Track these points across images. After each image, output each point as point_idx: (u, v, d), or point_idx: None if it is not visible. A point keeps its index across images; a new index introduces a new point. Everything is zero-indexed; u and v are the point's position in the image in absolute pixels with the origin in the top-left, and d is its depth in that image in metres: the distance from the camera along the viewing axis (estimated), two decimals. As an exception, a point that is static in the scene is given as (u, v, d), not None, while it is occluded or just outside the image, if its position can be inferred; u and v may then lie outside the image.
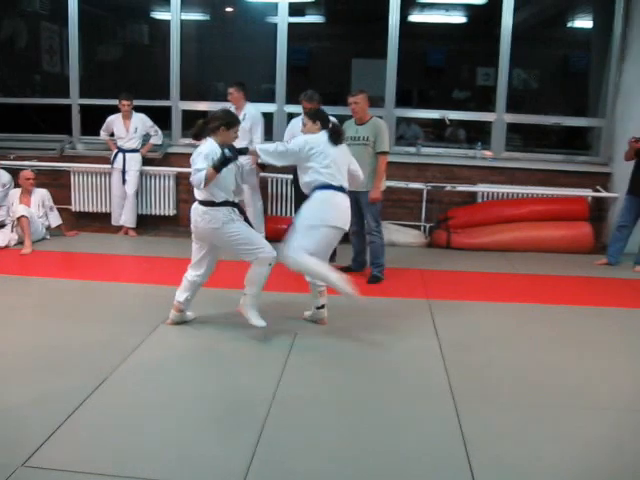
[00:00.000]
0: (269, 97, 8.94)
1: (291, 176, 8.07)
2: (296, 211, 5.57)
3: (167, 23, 8.93)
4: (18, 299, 5.68)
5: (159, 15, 9.65)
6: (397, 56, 8.58)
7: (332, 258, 6.98)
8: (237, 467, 3.12)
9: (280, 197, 8.69)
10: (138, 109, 8.50)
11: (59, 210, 8.21)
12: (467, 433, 3.49)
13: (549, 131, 9.41)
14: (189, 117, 9.21)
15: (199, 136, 4.84)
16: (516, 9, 8.36)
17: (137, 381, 4.10)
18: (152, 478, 3.04)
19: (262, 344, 4.71)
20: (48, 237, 7.94)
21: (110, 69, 10.20)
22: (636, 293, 6.45)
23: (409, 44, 8.69)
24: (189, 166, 8.66)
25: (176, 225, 8.93)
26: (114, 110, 8.46)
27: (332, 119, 5.45)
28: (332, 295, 5.13)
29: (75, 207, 8.99)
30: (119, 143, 8.47)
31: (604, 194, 8.38)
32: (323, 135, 4.99)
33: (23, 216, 7.44)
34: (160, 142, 8.75)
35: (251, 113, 7.80)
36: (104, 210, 8.90)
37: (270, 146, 5.03)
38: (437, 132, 9.58)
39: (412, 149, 8.90)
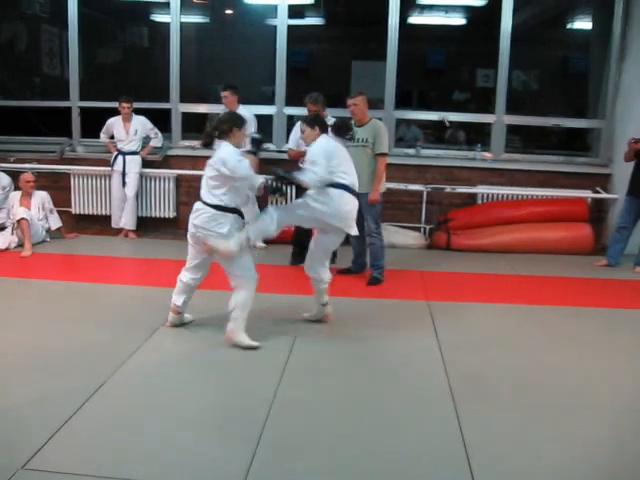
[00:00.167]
0: (269, 99, 8.95)
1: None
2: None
3: (167, 26, 8.94)
4: (18, 301, 5.69)
5: (159, 18, 9.66)
6: (397, 58, 8.58)
7: (332, 260, 7.00)
8: (237, 469, 3.12)
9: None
10: (138, 111, 8.51)
11: (59, 212, 8.21)
12: (467, 434, 3.50)
13: (549, 132, 9.42)
14: (189, 120, 9.23)
15: (210, 144, 4.82)
16: (515, 10, 8.37)
17: (137, 383, 4.10)
18: (152, 480, 3.05)
19: (262, 346, 4.71)
20: (48, 239, 7.94)
21: (110, 72, 10.21)
22: (636, 294, 6.45)
23: (409, 46, 8.70)
24: (189, 168, 8.80)
25: (176, 227, 8.91)
26: (114, 113, 8.46)
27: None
28: (332, 297, 5.15)
29: (75, 209, 8.99)
30: (119, 145, 8.47)
31: (604, 195, 8.38)
32: (328, 138, 5.03)
33: (23, 218, 7.45)
34: (160, 144, 8.75)
35: (245, 116, 7.78)
36: (104, 212, 8.90)
37: (314, 176, 4.87)
38: (437, 134, 9.59)
39: (412, 151, 8.90)
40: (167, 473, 3.12)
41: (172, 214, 8.93)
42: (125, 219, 8.52)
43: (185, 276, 4.97)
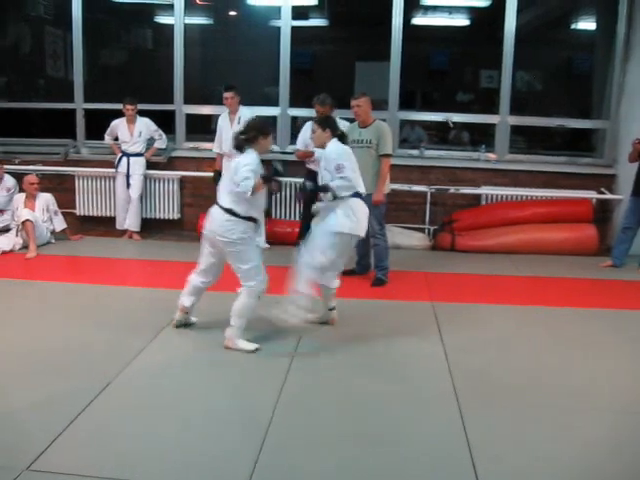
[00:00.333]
0: (272, 100, 8.95)
1: (295, 179, 8.09)
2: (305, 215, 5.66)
3: (171, 27, 8.96)
4: (23, 303, 5.70)
5: (163, 19, 9.67)
6: (400, 59, 8.58)
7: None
8: (241, 471, 3.12)
9: (283, 200, 8.67)
10: (142, 113, 8.52)
11: (63, 214, 8.22)
12: (471, 433, 3.50)
13: (553, 133, 9.40)
14: (193, 121, 9.24)
15: (241, 148, 4.79)
16: (519, 11, 8.36)
17: (141, 384, 4.11)
18: (156, 481, 3.06)
19: (266, 348, 4.71)
20: (53, 241, 7.96)
21: (114, 73, 10.22)
22: (641, 295, 6.44)
23: (412, 47, 8.70)
24: (193, 170, 8.80)
25: (180, 229, 8.94)
26: (118, 114, 8.48)
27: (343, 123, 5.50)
28: (336, 298, 5.14)
29: (79, 211, 9.01)
30: (123, 147, 8.49)
31: (608, 196, 8.37)
32: (339, 143, 5.04)
33: (28, 220, 7.46)
34: (164, 146, 8.77)
35: (247, 116, 7.81)
36: (108, 214, 8.92)
37: (344, 182, 4.89)
38: (441, 135, 9.57)
39: (415, 152, 8.90)
40: (172, 474, 3.13)
41: (176, 215, 8.94)
42: (129, 220, 8.53)
43: (195, 279, 4.96)
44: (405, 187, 8.26)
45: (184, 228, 8.94)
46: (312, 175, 6.37)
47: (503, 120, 8.69)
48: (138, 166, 8.49)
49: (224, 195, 4.70)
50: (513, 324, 5.40)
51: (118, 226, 8.66)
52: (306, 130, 7.18)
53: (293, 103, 8.83)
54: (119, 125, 8.48)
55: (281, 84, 8.85)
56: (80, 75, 9.22)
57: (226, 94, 7.79)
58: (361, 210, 4.95)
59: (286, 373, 4.28)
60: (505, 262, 7.52)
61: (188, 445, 3.37)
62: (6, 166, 8.43)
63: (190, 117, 9.17)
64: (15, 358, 4.42)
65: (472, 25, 9.56)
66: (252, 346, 4.67)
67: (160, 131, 8.62)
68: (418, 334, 4.96)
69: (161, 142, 8.68)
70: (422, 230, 8.51)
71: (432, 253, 8.09)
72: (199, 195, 8.86)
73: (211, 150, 8.18)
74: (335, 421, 3.69)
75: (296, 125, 8.84)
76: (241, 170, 4.53)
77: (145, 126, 8.51)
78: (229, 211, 4.61)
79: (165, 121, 8.87)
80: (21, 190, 8.07)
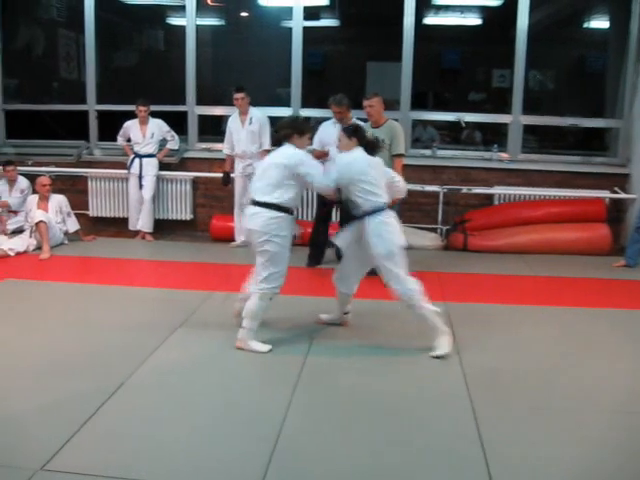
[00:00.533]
0: (284, 101, 8.96)
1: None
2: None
3: (183, 29, 8.98)
4: (37, 304, 5.72)
5: (175, 21, 9.70)
6: (412, 59, 8.57)
7: (319, 262, 7.03)
8: (253, 474, 3.12)
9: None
10: (155, 114, 8.55)
11: (76, 215, 8.26)
12: (484, 434, 3.48)
13: (566, 132, 9.36)
14: (205, 122, 9.26)
15: (278, 145, 4.77)
16: (531, 10, 8.33)
17: (154, 385, 4.12)
18: (169, 482, 3.07)
19: (279, 349, 4.71)
20: (66, 242, 7.99)
21: (126, 75, 10.26)
22: (655, 295, 6.40)
23: (424, 46, 8.69)
24: (206, 171, 8.82)
25: (193, 230, 8.96)
26: (131, 116, 8.51)
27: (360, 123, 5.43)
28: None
29: (92, 212, 9.05)
30: (136, 148, 8.52)
31: (622, 195, 8.33)
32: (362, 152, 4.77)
33: (41, 221, 7.50)
34: (177, 147, 8.79)
35: (257, 116, 7.88)
36: (121, 215, 8.95)
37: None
38: (453, 134, 9.56)
39: (428, 152, 8.89)
40: (185, 475, 3.13)
41: (189, 216, 8.96)
42: (142, 221, 8.55)
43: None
44: (418, 187, 8.24)
45: (197, 229, 8.97)
46: None
47: (516, 119, 8.66)
48: (151, 167, 8.52)
49: (267, 191, 4.61)
50: (526, 324, 5.37)
51: (131, 227, 8.69)
52: (322, 130, 7.17)
53: (305, 104, 8.83)
54: (132, 126, 8.52)
55: (293, 85, 8.86)
56: (93, 77, 9.27)
57: (237, 95, 7.81)
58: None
59: (299, 374, 4.28)
60: (518, 262, 7.49)
61: (201, 446, 3.37)
62: (19, 168, 8.49)
63: (202, 118, 9.20)
64: (29, 359, 4.44)
65: (484, 24, 9.53)
66: (265, 347, 4.66)
67: (172, 132, 8.65)
68: (431, 334, 4.93)
69: (173, 143, 8.71)
70: (434, 230, 8.49)
71: (444, 253, 8.07)
72: (211, 196, 8.89)
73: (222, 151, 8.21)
74: (348, 422, 3.68)
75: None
76: (307, 163, 4.60)
77: (157, 127, 8.53)
78: (274, 206, 4.57)
79: (177, 122, 8.91)
80: (34, 191, 8.11)
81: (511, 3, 8.43)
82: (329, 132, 6.73)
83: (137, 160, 8.49)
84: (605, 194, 8.33)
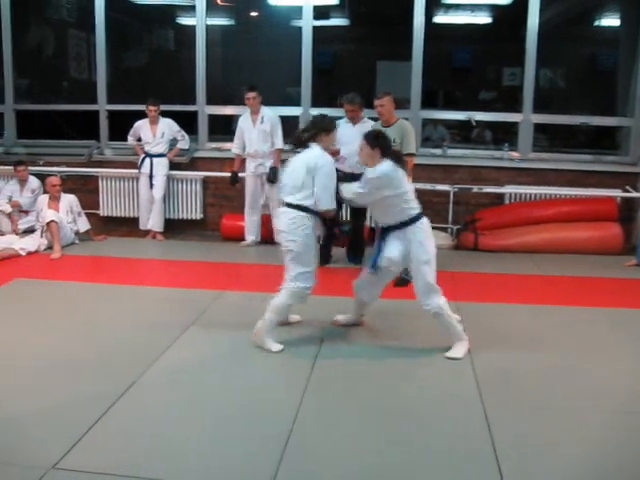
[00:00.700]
0: (294, 100, 8.96)
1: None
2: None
3: (193, 28, 8.99)
4: (48, 303, 5.75)
5: (185, 21, 9.71)
6: (422, 57, 8.54)
7: (360, 262, 7.01)
8: (263, 473, 3.12)
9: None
10: (165, 114, 8.56)
11: (87, 215, 8.29)
12: (496, 434, 3.48)
13: (577, 131, 9.31)
14: (215, 122, 9.27)
15: (300, 145, 4.80)
16: (542, 8, 8.29)
17: (166, 384, 4.13)
18: (181, 481, 3.07)
19: (289, 349, 4.71)
20: (77, 242, 8.02)
21: (137, 75, 10.29)
22: (668, 294, 6.36)
23: (434, 45, 8.66)
24: (216, 170, 8.83)
25: (203, 229, 8.97)
26: (141, 115, 8.53)
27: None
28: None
29: (103, 212, 9.07)
30: (146, 148, 8.53)
31: (634, 194, 8.27)
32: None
33: (52, 221, 7.52)
34: (187, 147, 8.80)
35: (269, 116, 7.88)
36: (132, 214, 8.97)
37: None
38: (463, 133, 9.53)
39: (438, 151, 8.87)
40: (195, 474, 3.14)
41: (199, 216, 8.97)
42: (152, 221, 8.57)
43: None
44: (428, 186, 8.22)
45: (207, 228, 8.98)
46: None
47: (526, 118, 8.62)
48: (161, 167, 8.53)
49: (292, 191, 4.67)
50: (537, 324, 5.35)
51: (141, 226, 8.70)
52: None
53: (315, 103, 8.83)
54: (142, 126, 8.53)
55: (303, 84, 8.86)
56: (103, 76, 9.28)
57: (249, 94, 7.81)
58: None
59: (309, 373, 4.28)
60: (529, 262, 7.46)
61: (211, 445, 3.37)
62: (31, 167, 8.52)
63: (212, 118, 9.20)
64: (41, 358, 4.45)
65: (494, 23, 9.51)
66: (277, 347, 4.66)
67: (183, 132, 8.66)
68: (442, 334, 4.92)
69: (184, 143, 8.72)
70: (445, 229, 8.46)
71: (455, 252, 8.04)
72: (222, 195, 8.90)
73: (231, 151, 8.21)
74: (358, 423, 3.67)
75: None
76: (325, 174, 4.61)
77: (168, 127, 8.55)
78: (297, 207, 4.62)
79: (187, 122, 8.91)
80: (45, 192, 8.14)
81: (521, 1, 8.39)
82: (341, 131, 6.72)
83: (148, 160, 8.50)
84: (616, 193, 8.28)
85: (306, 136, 4.74)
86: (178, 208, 8.95)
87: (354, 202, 4.88)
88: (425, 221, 4.69)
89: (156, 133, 8.48)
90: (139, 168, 8.57)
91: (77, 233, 8.05)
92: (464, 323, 4.78)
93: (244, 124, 7.98)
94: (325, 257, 7.10)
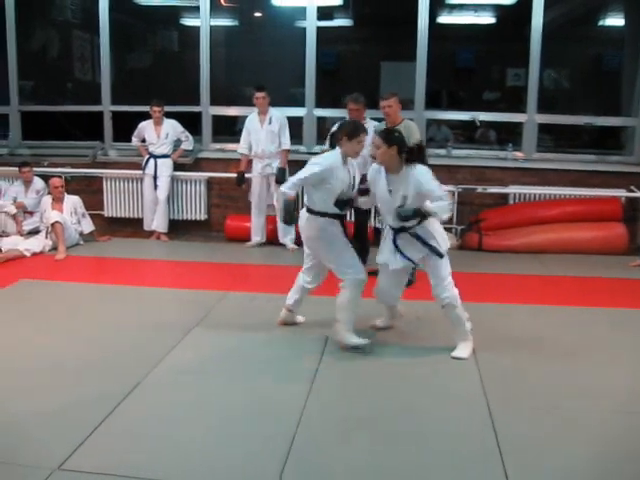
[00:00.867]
0: (299, 101, 8.96)
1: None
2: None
3: (197, 29, 9.00)
4: (53, 304, 5.75)
5: (189, 22, 9.72)
6: (426, 58, 8.54)
7: (364, 261, 6.98)
8: (269, 472, 3.12)
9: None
10: (169, 115, 8.57)
11: (92, 216, 8.31)
12: (500, 433, 3.48)
13: (581, 131, 9.30)
14: (219, 122, 9.27)
15: (331, 146, 4.80)
16: (546, 8, 8.28)
17: (170, 385, 4.13)
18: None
19: (294, 348, 4.71)
20: (81, 242, 8.03)
21: (141, 76, 10.29)
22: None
23: (438, 46, 8.66)
24: (220, 171, 8.84)
25: (207, 230, 8.98)
26: (145, 116, 8.54)
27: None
28: (363, 299, 5.10)
29: (107, 212, 9.08)
30: (150, 149, 8.54)
31: (638, 194, 8.26)
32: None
33: (57, 222, 7.54)
34: (191, 147, 8.81)
35: (277, 116, 7.89)
36: (136, 215, 8.98)
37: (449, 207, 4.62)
38: (467, 134, 9.52)
39: (442, 151, 8.86)
40: (201, 474, 3.14)
41: (203, 216, 8.97)
42: (157, 222, 8.58)
43: (301, 277, 5.01)
44: (432, 187, 8.20)
45: (211, 229, 8.98)
46: None
47: (530, 118, 8.61)
48: (165, 168, 8.54)
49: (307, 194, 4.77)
50: (542, 324, 5.34)
51: (146, 227, 8.72)
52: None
53: (319, 104, 8.83)
54: (146, 127, 8.54)
55: (307, 85, 8.86)
56: (107, 78, 9.30)
57: (258, 94, 7.81)
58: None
59: (314, 374, 4.28)
60: (533, 262, 7.46)
61: (216, 446, 3.38)
62: (35, 169, 8.53)
63: (216, 118, 9.21)
64: (46, 359, 4.46)
65: (498, 23, 9.49)
66: (363, 341, 4.68)
67: (187, 132, 8.67)
68: (446, 334, 4.91)
69: (188, 143, 8.73)
70: (449, 230, 8.44)
71: (459, 253, 8.02)
72: (226, 196, 8.90)
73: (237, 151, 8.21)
74: (365, 421, 3.68)
75: (321, 125, 8.87)
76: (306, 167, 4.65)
77: (172, 128, 8.55)
78: (308, 209, 4.71)
79: (192, 122, 8.92)
80: (50, 193, 8.15)
81: (525, 1, 8.39)
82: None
83: (152, 161, 8.51)
84: (621, 193, 8.27)
85: (336, 137, 4.72)
86: (182, 209, 8.95)
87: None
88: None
89: (160, 134, 8.49)
90: (143, 169, 8.58)
91: (81, 234, 8.07)
92: (471, 323, 4.78)
93: (251, 124, 7.97)
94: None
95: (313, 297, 5.16)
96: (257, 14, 10.08)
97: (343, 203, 4.67)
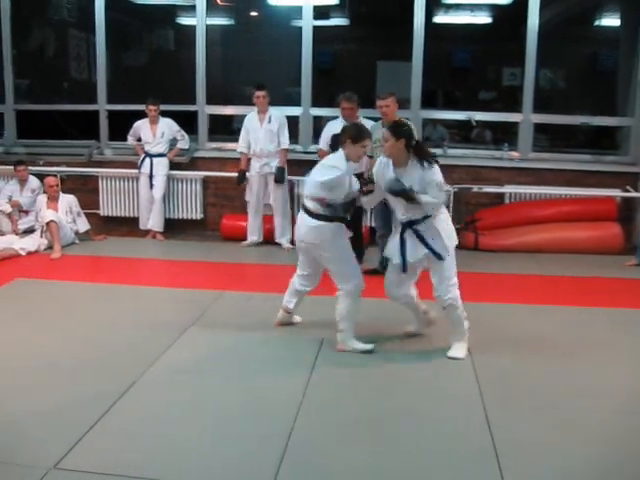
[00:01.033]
0: (295, 100, 8.95)
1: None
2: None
3: (193, 28, 8.98)
4: (48, 303, 5.75)
5: (185, 21, 9.70)
6: (422, 57, 8.53)
7: (360, 260, 6.99)
8: (265, 471, 3.13)
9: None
10: (165, 114, 8.56)
11: (87, 215, 8.29)
12: (496, 434, 3.48)
13: (577, 131, 9.30)
14: (215, 121, 9.26)
15: (333, 148, 4.83)
16: (542, 8, 8.28)
17: (166, 384, 4.13)
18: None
19: (289, 349, 4.72)
20: (77, 241, 8.02)
21: (137, 75, 10.28)
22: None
23: (434, 45, 8.65)
24: (216, 170, 8.83)
25: (203, 229, 8.97)
26: (141, 115, 8.53)
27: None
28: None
29: (103, 211, 9.06)
30: (146, 148, 8.53)
31: (633, 194, 8.27)
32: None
33: (52, 221, 7.53)
34: (187, 146, 8.80)
35: (276, 115, 7.88)
36: (132, 214, 8.96)
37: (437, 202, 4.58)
38: (463, 133, 9.52)
39: (438, 151, 8.83)
40: (196, 474, 3.14)
41: (199, 216, 8.96)
42: (152, 221, 8.56)
43: (296, 282, 4.96)
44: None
45: (207, 228, 8.97)
46: None
47: (526, 118, 8.61)
48: (161, 167, 8.52)
49: (307, 198, 4.67)
50: (538, 324, 5.35)
51: (141, 226, 8.70)
52: (329, 129, 7.16)
53: (315, 103, 8.83)
54: (142, 126, 8.53)
55: (303, 84, 8.85)
56: (103, 76, 9.27)
57: (258, 93, 7.79)
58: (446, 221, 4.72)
59: (310, 374, 4.28)
60: (529, 261, 7.46)
61: (212, 445, 3.38)
62: (31, 167, 8.52)
63: (212, 117, 9.19)
64: (41, 358, 4.46)
65: (494, 22, 9.50)
66: (368, 346, 4.67)
67: (182, 132, 8.66)
68: (441, 334, 4.92)
69: (184, 143, 8.72)
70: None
71: (455, 252, 8.02)
72: (222, 195, 8.89)
73: (234, 150, 8.20)
74: (360, 421, 3.68)
75: (318, 124, 8.86)
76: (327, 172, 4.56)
77: (168, 127, 8.54)
78: (314, 214, 4.60)
79: (187, 121, 8.91)
80: (45, 191, 8.13)
81: (521, 1, 8.38)
82: (336, 130, 6.72)
83: (148, 160, 8.49)
84: (616, 193, 8.27)
85: (340, 139, 4.69)
86: (178, 208, 8.94)
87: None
88: (446, 214, 4.74)
89: (156, 133, 8.48)
90: (139, 168, 8.56)
91: (77, 233, 8.05)
92: (466, 323, 4.78)
93: (250, 123, 7.95)
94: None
95: (310, 297, 5.15)
96: (253, 13, 10.08)
97: (348, 205, 4.66)
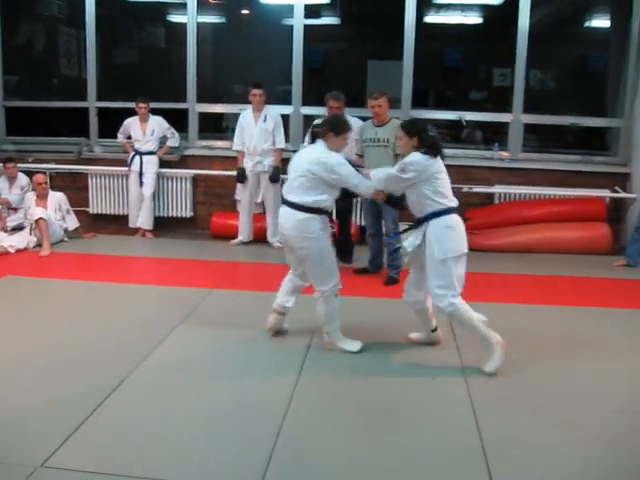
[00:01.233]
0: (285, 99, 8.95)
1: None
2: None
3: (183, 26, 8.96)
4: (37, 301, 5.73)
5: (175, 18, 9.68)
6: (413, 57, 8.54)
7: (350, 261, 7.00)
8: (254, 469, 3.12)
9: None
10: (155, 112, 8.53)
11: (77, 212, 8.27)
12: (485, 434, 3.49)
13: (567, 131, 9.34)
14: (206, 119, 9.25)
15: (312, 139, 4.73)
16: (532, 8, 8.30)
17: (155, 382, 4.12)
18: None
19: (280, 348, 4.71)
20: (66, 239, 7.99)
21: (127, 72, 10.25)
22: (656, 294, 6.39)
23: (425, 45, 8.67)
24: (206, 168, 8.81)
25: (193, 227, 8.95)
26: (131, 113, 8.50)
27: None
28: (347, 296, 5.09)
29: (92, 209, 9.02)
30: (136, 146, 8.50)
31: (622, 195, 8.30)
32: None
33: (41, 218, 7.50)
34: (177, 144, 8.78)
35: (272, 114, 7.88)
36: (121, 212, 8.93)
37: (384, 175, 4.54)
38: (454, 133, 9.53)
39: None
40: (186, 472, 3.13)
41: (189, 214, 8.94)
42: (142, 219, 8.54)
43: (294, 279, 4.84)
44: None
45: (197, 226, 8.96)
46: None
47: (516, 118, 8.64)
48: (151, 164, 8.50)
49: (295, 192, 4.52)
50: (527, 324, 5.36)
51: (131, 224, 8.67)
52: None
53: (306, 102, 8.82)
54: (132, 123, 8.50)
55: (294, 83, 8.84)
56: (93, 73, 9.24)
57: (255, 91, 7.77)
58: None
59: (299, 372, 4.28)
60: (518, 261, 7.49)
61: (201, 443, 3.37)
62: (20, 165, 8.47)
63: (203, 115, 9.17)
64: (30, 356, 4.44)
65: (485, 23, 9.53)
66: (356, 346, 4.64)
67: (173, 129, 8.63)
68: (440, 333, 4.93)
69: (174, 140, 8.69)
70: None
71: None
72: (212, 193, 8.88)
73: (224, 149, 8.19)
74: (348, 422, 3.68)
75: (309, 123, 8.85)
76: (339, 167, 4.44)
77: (158, 124, 8.52)
78: (301, 207, 4.48)
79: (178, 119, 8.88)
80: (34, 189, 8.10)
81: (512, 1, 8.40)
82: None
83: (137, 157, 8.47)
84: (606, 193, 8.31)
85: (317, 131, 4.62)
86: (168, 206, 8.91)
87: (370, 193, 4.66)
88: (456, 218, 4.59)
89: (146, 131, 8.45)
90: (129, 166, 8.53)
91: (66, 231, 8.03)
92: (454, 324, 4.78)
93: (245, 121, 7.92)
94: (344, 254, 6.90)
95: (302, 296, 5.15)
96: (244, 11, 10.07)
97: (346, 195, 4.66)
